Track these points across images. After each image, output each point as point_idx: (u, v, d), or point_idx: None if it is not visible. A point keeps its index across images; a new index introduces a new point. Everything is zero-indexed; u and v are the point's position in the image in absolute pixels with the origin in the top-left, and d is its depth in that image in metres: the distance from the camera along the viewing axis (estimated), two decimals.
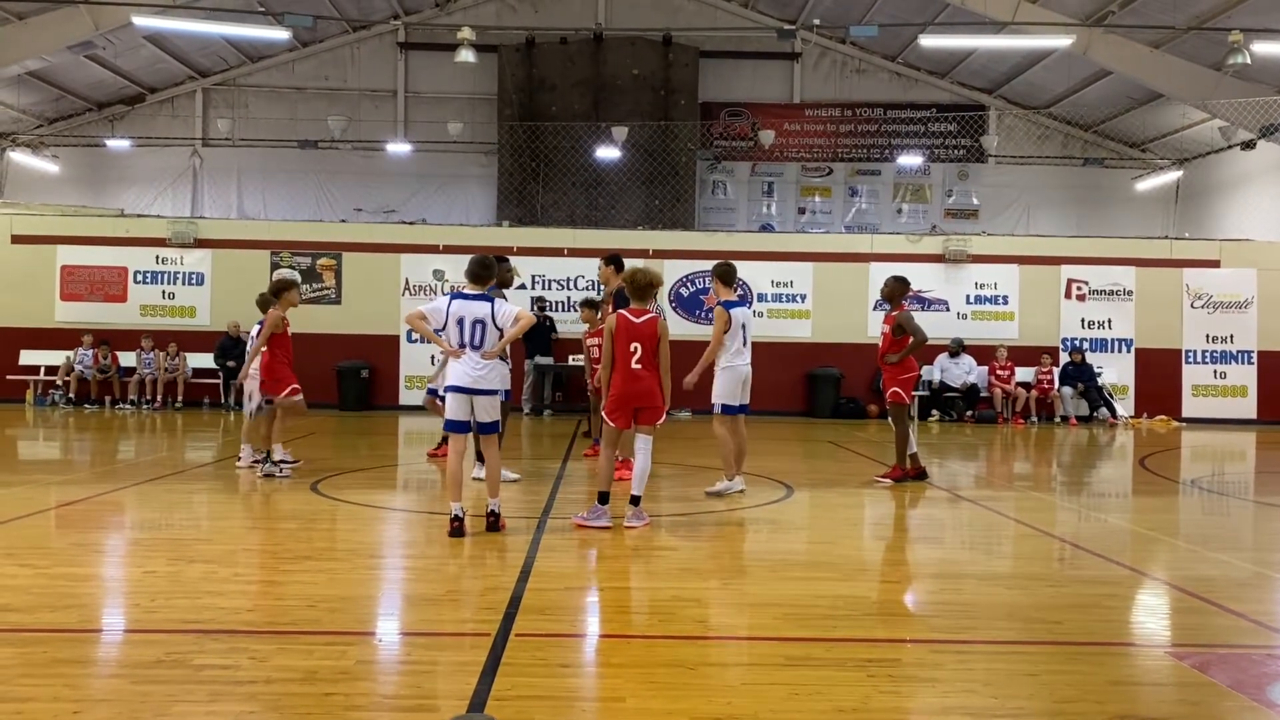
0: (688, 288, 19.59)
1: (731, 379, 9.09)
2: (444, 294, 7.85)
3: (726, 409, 9.13)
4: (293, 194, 25.11)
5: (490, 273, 7.44)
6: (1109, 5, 19.50)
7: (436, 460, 11.33)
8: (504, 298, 8.09)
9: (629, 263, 9.16)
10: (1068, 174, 25.50)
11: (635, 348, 7.50)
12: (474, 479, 9.20)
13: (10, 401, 18.85)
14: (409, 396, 18.98)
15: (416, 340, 18.97)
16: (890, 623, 5.35)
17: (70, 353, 18.97)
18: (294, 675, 4.14)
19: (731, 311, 9.06)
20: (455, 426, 7.32)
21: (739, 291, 12.00)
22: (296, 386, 10.04)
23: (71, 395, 18.80)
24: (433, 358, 11.91)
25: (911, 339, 10.11)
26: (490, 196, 24.92)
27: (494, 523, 7.19)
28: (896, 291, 10.47)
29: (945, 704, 4.00)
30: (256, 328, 10.39)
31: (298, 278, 18.57)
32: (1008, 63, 23.63)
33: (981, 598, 5.70)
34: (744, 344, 9.14)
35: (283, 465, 9.98)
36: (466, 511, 7.22)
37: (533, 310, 18.57)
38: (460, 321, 7.17)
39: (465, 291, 7.32)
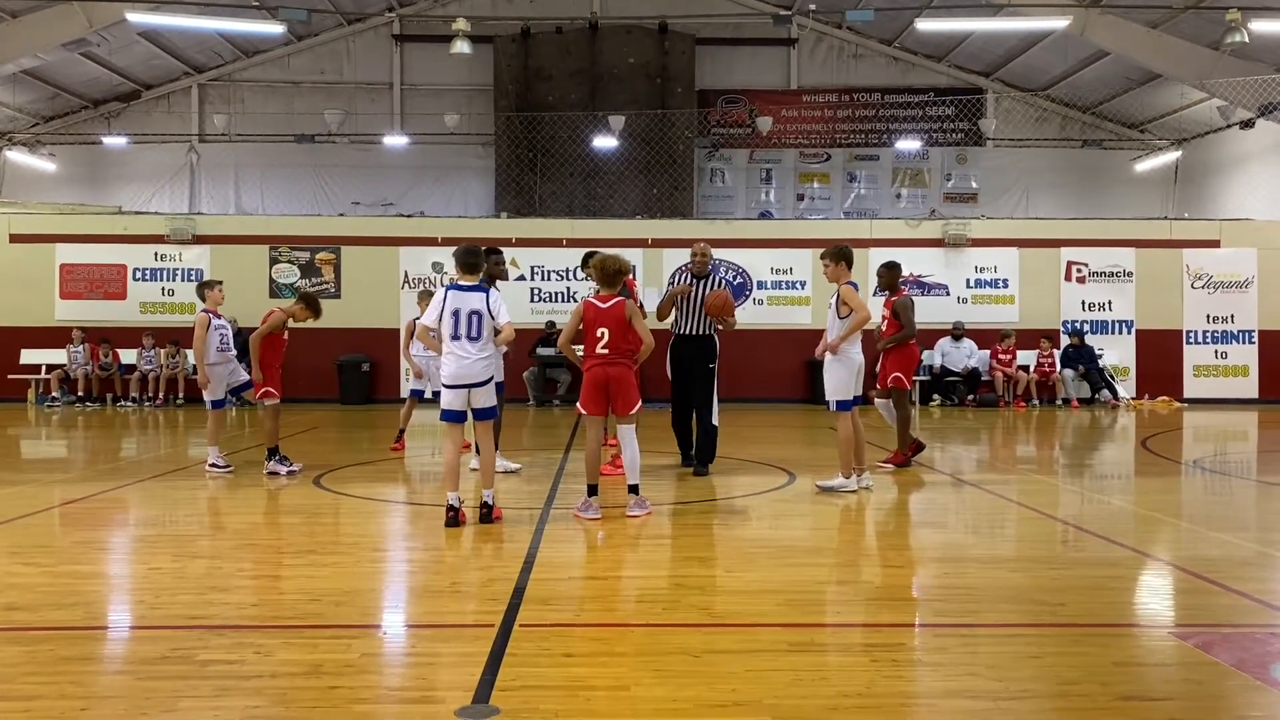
0: None
1: (847, 371, 8.68)
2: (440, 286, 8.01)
3: (842, 405, 8.68)
4: (290, 188, 25.06)
5: (480, 261, 7.53)
6: None
7: (397, 453, 11.51)
8: (496, 289, 8.10)
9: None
10: (1066, 156, 25.44)
11: (602, 333, 7.49)
12: (472, 469, 9.20)
13: (12, 401, 18.86)
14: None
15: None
16: (894, 607, 5.35)
17: (65, 351, 18.99)
18: (299, 669, 4.15)
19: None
20: (451, 416, 7.35)
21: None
22: (271, 390, 9.95)
23: (80, 393, 18.79)
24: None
25: (902, 329, 10.16)
26: (488, 188, 24.88)
27: (486, 514, 7.20)
28: (892, 279, 10.52)
29: (949, 687, 4.01)
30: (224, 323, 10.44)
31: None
32: (1005, 45, 23.56)
33: (985, 581, 5.71)
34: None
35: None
36: (463, 501, 7.26)
37: (548, 333, 18.68)
38: (455, 313, 7.18)
39: (460, 283, 7.34)
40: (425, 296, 11.32)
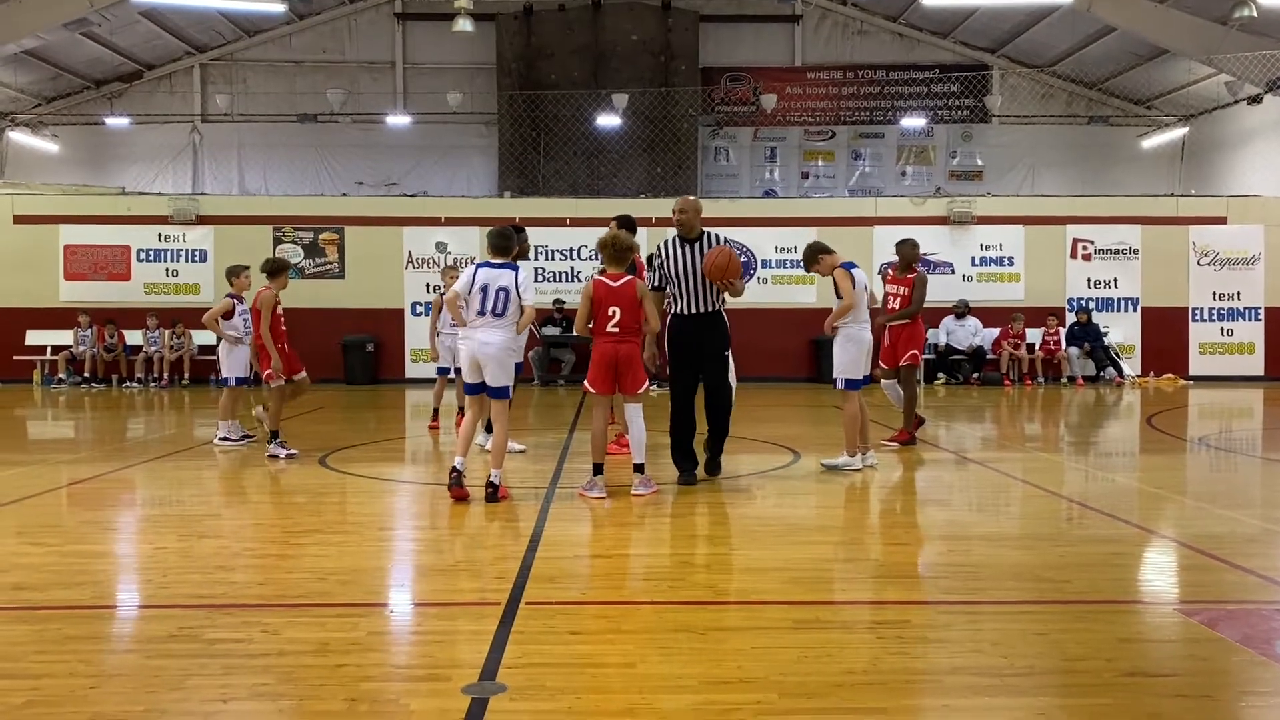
0: None
1: (856, 350, 8.65)
2: (468, 264, 8.30)
3: (851, 384, 8.67)
4: (293, 168, 24.97)
5: (512, 243, 7.69)
6: None
7: (434, 433, 11.52)
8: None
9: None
10: (1072, 133, 25.28)
11: (614, 312, 7.49)
12: (478, 445, 9.20)
13: (18, 382, 18.90)
14: (415, 370, 19.02)
15: (421, 313, 18.98)
16: (899, 584, 5.36)
17: (72, 332, 19.02)
18: (306, 647, 4.17)
19: (852, 272, 8.61)
20: (470, 389, 7.56)
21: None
22: (273, 373, 10.04)
23: (86, 374, 18.79)
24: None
25: (911, 305, 10.15)
26: (491, 167, 24.78)
27: (492, 494, 7.25)
28: (915, 255, 10.47)
29: (954, 664, 4.02)
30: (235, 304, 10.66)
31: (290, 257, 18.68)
32: (1010, 21, 23.36)
33: (990, 558, 5.72)
34: (865, 309, 8.71)
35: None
36: (467, 467, 7.38)
37: (554, 312, 18.70)
38: (484, 289, 7.35)
39: (490, 261, 7.56)
40: (450, 270, 11.48)
